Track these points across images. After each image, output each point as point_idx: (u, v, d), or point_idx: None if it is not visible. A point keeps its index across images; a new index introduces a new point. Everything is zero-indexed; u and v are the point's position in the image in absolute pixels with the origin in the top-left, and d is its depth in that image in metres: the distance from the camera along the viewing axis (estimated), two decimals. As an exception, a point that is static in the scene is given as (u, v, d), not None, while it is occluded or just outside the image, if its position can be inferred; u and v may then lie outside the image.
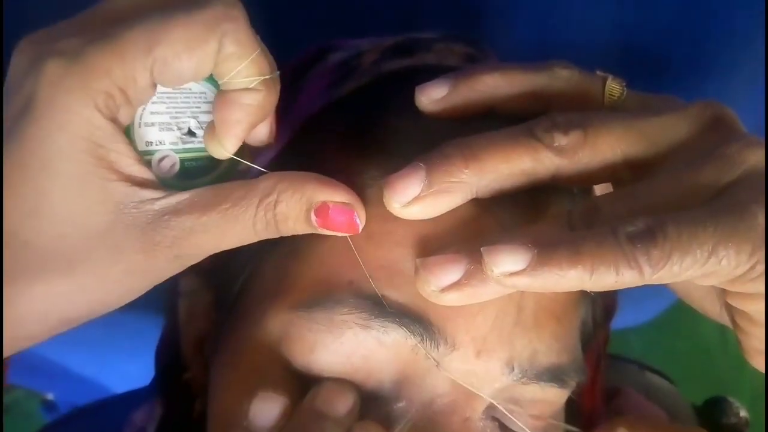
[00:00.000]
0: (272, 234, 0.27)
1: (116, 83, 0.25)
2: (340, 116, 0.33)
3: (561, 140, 0.26)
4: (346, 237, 0.28)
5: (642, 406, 0.43)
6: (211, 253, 0.27)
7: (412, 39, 0.36)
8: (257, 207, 0.26)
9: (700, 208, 0.24)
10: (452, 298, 0.25)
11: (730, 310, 0.27)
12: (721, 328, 0.30)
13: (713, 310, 0.29)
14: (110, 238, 0.26)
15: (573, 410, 0.34)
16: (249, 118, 0.27)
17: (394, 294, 0.28)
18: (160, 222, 0.26)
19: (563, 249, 0.23)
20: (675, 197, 0.25)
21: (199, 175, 0.29)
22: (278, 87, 0.28)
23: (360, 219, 0.27)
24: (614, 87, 0.30)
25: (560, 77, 0.29)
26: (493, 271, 0.24)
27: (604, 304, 0.40)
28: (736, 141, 0.25)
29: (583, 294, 0.32)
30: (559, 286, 0.23)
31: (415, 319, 0.28)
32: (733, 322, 0.28)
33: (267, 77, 0.27)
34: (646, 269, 0.23)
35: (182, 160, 0.29)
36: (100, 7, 0.26)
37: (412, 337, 0.28)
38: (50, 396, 0.91)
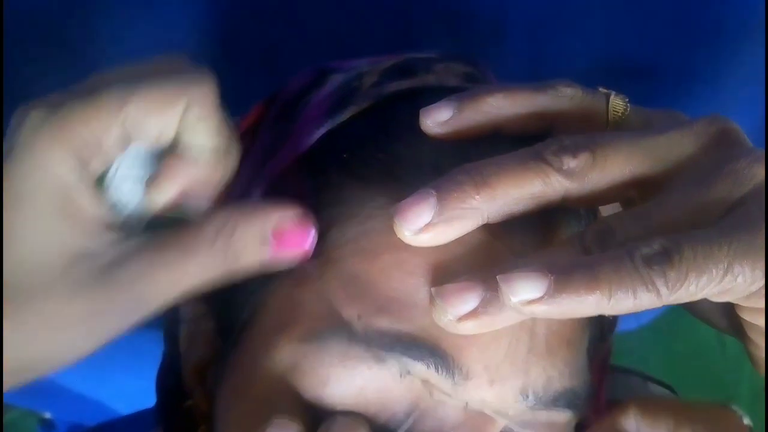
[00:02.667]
0: (232, 265, 0.28)
1: (90, 134, 0.26)
2: (343, 142, 0.33)
3: (570, 163, 0.25)
4: (355, 269, 0.28)
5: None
6: (176, 294, 0.28)
7: (411, 59, 0.36)
8: (214, 240, 0.28)
9: (713, 227, 0.24)
10: (469, 327, 0.25)
11: (741, 323, 0.27)
12: (719, 329, 0.30)
13: (719, 322, 0.29)
14: (71, 276, 0.26)
15: (578, 426, 0.34)
16: (188, 180, 0.29)
17: (407, 326, 0.27)
18: (121, 263, 0.27)
19: (580, 274, 0.23)
20: (686, 215, 0.25)
21: (166, 227, 0.29)
22: (230, 162, 0.30)
23: (312, 237, 0.29)
24: (618, 104, 0.30)
25: (564, 96, 0.29)
26: (510, 299, 0.23)
27: (609, 317, 0.40)
28: (745, 156, 0.25)
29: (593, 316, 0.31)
30: (578, 311, 0.23)
31: (429, 350, 0.27)
32: (744, 335, 0.28)
33: (219, 150, 0.29)
34: (664, 291, 0.23)
35: (152, 215, 0.30)
36: (91, 77, 0.28)
37: (426, 368, 0.27)
38: (48, 415, 0.90)
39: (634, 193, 0.27)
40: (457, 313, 0.25)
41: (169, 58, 0.30)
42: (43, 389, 0.74)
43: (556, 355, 0.29)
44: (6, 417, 0.99)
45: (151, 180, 0.29)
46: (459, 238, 0.26)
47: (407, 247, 0.26)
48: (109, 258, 0.27)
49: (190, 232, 0.28)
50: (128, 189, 0.29)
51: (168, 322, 0.39)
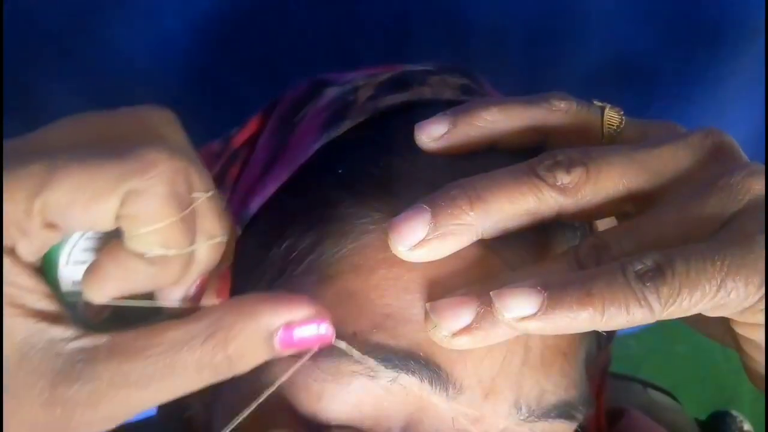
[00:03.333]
0: (223, 377, 0.24)
1: (8, 217, 0.22)
2: (338, 158, 0.33)
3: (564, 179, 0.25)
4: (350, 285, 0.28)
5: (646, 426, 0.42)
6: (147, 409, 0.23)
7: (406, 73, 0.36)
8: (201, 350, 0.23)
9: (707, 242, 0.24)
10: (464, 342, 0.25)
11: (736, 337, 0.27)
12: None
13: (717, 334, 0.29)
14: (11, 384, 0.22)
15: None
16: (128, 284, 0.24)
17: (402, 341, 0.28)
18: (72, 372, 0.22)
19: (573, 290, 0.23)
20: (681, 230, 0.25)
21: (134, 322, 0.24)
22: (182, 264, 0.24)
23: (330, 328, 0.25)
24: (613, 116, 0.30)
25: (558, 109, 0.29)
26: (504, 315, 0.24)
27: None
28: (739, 170, 0.25)
29: None
30: (571, 327, 0.23)
31: (423, 365, 0.27)
32: (739, 348, 0.28)
33: (169, 253, 0.23)
34: (657, 307, 0.23)
35: (115, 306, 0.25)
36: (35, 133, 0.24)
37: (420, 383, 0.27)
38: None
39: (630, 207, 0.27)
40: (452, 328, 0.25)
41: (130, 112, 0.25)
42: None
43: (551, 367, 0.29)
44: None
45: (86, 272, 0.24)
46: (455, 253, 0.26)
47: (402, 263, 0.26)
48: (57, 365, 0.22)
49: (166, 337, 0.23)
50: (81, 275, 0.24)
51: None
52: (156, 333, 0.23)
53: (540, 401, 0.29)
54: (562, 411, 0.29)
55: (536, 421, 0.29)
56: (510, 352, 0.28)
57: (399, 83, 0.35)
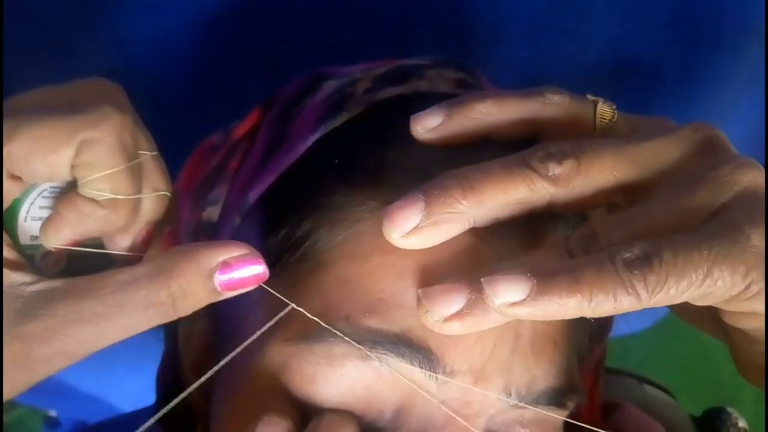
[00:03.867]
0: (168, 317, 0.26)
1: None
2: (336, 148, 0.33)
3: (555, 170, 0.26)
4: (344, 271, 0.29)
5: (641, 420, 0.43)
6: (101, 347, 0.25)
7: (404, 66, 0.37)
8: (147, 288, 0.25)
9: (694, 232, 0.24)
10: (455, 328, 0.25)
11: (725, 327, 0.28)
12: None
13: (707, 325, 0.30)
14: None
15: (573, 427, 0.34)
16: (82, 227, 0.27)
17: (394, 326, 0.28)
18: (31, 310, 0.25)
19: (562, 278, 0.24)
20: (670, 221, 0.25)
21: (87, 273, 0.27)
22: (129, 210, 0.27)
23: (264, 268, 0.27)
24: (605, 110, 0.30)
25: (552, 102, 0.30)
26: (494, 301, 0.24)
27: (599, 321, 0.40)
28: (728, 163, 0.26)
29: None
30: (559, 314, 0.24)
31: (414, 348, 0.28)
32: (728, 338, 0.28)
33: (117, 197, 0.26)
34: (644, 294, 0.23)
35: (69, 257, 0.28)
36: (6, 100, 0.27)
37: (411, 366, 0.28)
38: (53, 413, 0.91)
39: (620, 198, 0.27)
40: (443, 314, 0.25)
41: (85, 83, 0.28)
42: (48, 387, 0.75)
43: (541, 355, 0.29)
44: (11, 414, 1.00)
45: (45, 220, 0.27)
46: (447, 241, 0.27)
47: (395, 250, 0.27)
48: (18, 305, 0.25)
49: (115, 280, 0.25)
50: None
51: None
52: (107, 276, 0.26)
53: (530, 387, 0.29)
54: (552, 398, 0.30)
55: (526, 407, 0.29)
56: (500, 339, 0.29)
57: (396, 76, 0.36)
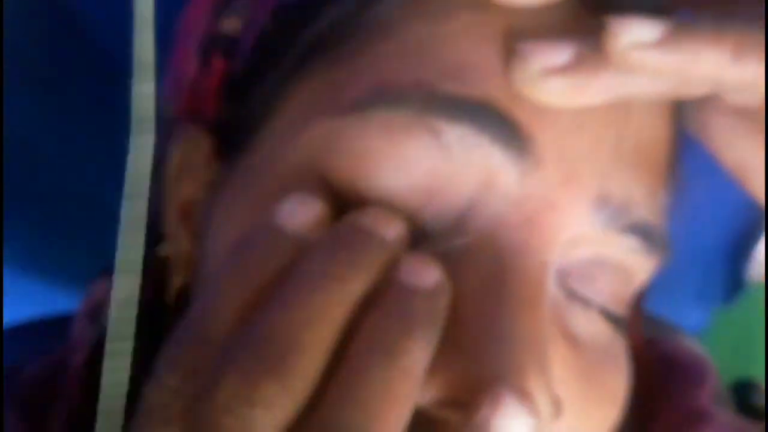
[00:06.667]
0: None
1: None
2: None
3: None
4: (418, 32, 0.23)
5: (694, 350, 0.38)
6: None
7: None
8: None
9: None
10: (555, 88, 0.21)
11: (713, 128, 0.24)
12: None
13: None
14: None
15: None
16: None
17: (476, 91, 0.22)
18: None
19: (704, 27, 0.20)
20: None
21: None
22: None
23: None
24: None
25: None
26: (618, 39, 0.20)
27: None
28: None
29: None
30: (693, 68, 0.20)
31: (499, 118, 0.22)
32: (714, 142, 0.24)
33: None
34: None
35: None
36: None
37: (491, 143, 0.22)
38: None
39: None
40: (545, 63, 0.21)
41: None
42: None
43: (642, 172, 0.24)
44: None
45: None
46: (553, 9, 0.22)
47: (488, 8, 0.22)
48: None
49: None
50: None
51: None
52: None
53: (625, 208, 0.24)
54: (645, 233, 0.24)
55: (615, 235, 0.24)
56: (600, 137, 0.23)
57: None
